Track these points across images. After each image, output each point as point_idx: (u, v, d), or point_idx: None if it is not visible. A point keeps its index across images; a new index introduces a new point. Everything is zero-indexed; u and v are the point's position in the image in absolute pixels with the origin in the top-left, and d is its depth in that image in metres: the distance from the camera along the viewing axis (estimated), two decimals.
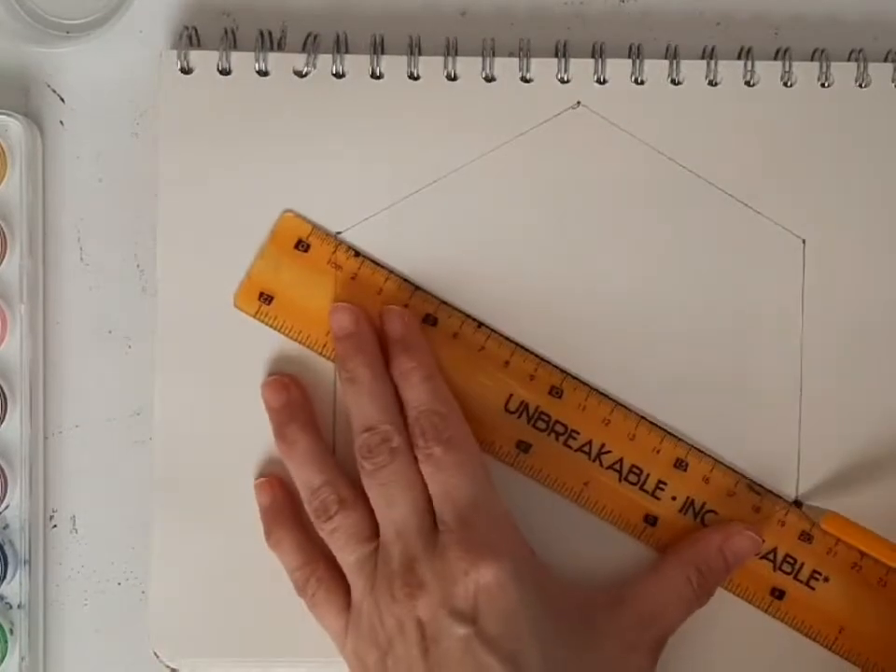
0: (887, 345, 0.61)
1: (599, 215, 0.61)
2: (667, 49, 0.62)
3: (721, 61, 0.61)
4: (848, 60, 0.62)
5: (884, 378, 0.61)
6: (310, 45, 0.61)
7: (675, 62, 0.61)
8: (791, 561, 0.61)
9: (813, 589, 0.61)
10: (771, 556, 0.61)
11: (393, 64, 0.61)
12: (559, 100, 0.61)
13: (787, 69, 0.61)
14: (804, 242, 0.61)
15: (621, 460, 0.60)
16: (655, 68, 0.61)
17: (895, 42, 0.63)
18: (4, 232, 0.61)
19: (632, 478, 0.60)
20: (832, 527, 0.59)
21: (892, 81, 0.61)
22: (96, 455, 0.64)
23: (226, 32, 0.62)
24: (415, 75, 0.61)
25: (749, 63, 0.61)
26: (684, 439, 0.61)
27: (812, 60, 0.62)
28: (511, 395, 0.61)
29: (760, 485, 0.61)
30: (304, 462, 0.59)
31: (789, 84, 0.61)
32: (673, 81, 0.61)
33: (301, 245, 0.61)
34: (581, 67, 0.61)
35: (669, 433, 0.61)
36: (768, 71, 0.61)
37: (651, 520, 0.61)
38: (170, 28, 0.63)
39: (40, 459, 0.63)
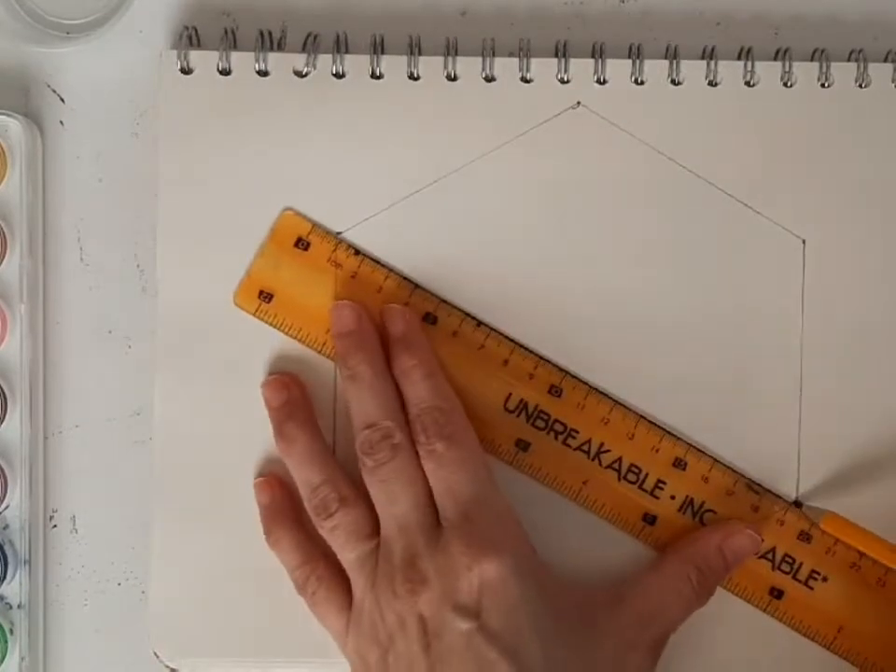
0: (887, 345, 0.61)
1: (599, 215, 0.61)
2: (667, 50, 0.62)
3: (720, 61, 0.61)
4: (848, 60, 0.62)
5: (884, 378, 0.61)
6: (310, 45, 0.61)
7: (675, 62, 0.61)
8: (790, 560, 0.61)
9: (812, 589, 0.61)
10: (770, 556, 0.61)
11: (393, 64, 0.61)
12: (559, 100, 0.61)
13: (787, 69, 0.61)
14: (804, 242, 0.61)
15: (620, 459, 0.60)
16: (655, 68, 0.61)
17: (895, 42, 0.63)
18: (4, 232, 0.61)
19: (631, 477, 0.60)
20: (831, 528, 0.59)
21: (892, 81, 0.61)
22: (96, 454, 0.64)
23: (226, 32, 0.62)
24: (415, 75, 0.61)
25: (749, 64, 0.61)
26: (683, 438, 0.61)
27: (812, 60, 0.62)
28: (511, 393, 0.61)
29: (759, 485, 0.61)
30: (304, 460, 0.59)
31: (789, 84, 0.61)
32: (673, 81, 0.61)
33: (301, 244, 0.61)
34: (581, 67, 0.61)
35: (668, 432, 0.61)
36: (768, 71, 0.61)
37: (649, 519, 0.60)
38: (170, 28, 0.63)
39: (40, 459, 0.63)
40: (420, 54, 0.61)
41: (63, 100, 0.64)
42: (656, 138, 0.61)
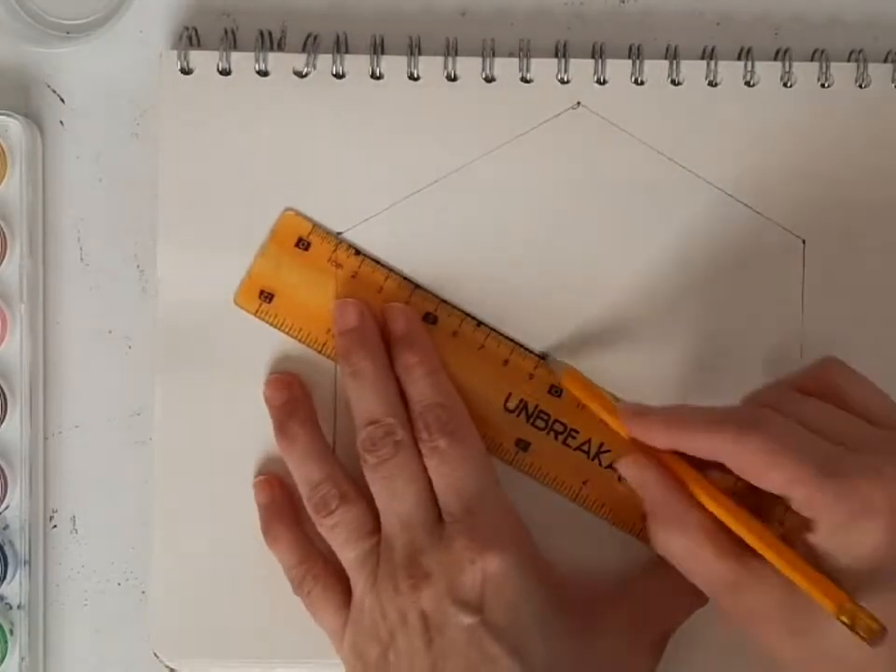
0: (887, 345, 0.61)
1: (599, 215, 0.61)
2: (667, 50, 0.62)
3: (720, 61, 0.61)
4: (848, 60, 0.62)
5: (884, 378, 0.61)
6: (310, 45, 0.61)
7: (675, 62, 0.61)
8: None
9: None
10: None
11: (393, 65, 0.61)
12: (559, 100, 0.61)
13: (787, 69, 0.61)
14: (804, 242, 0.61)
15: None
16: (655, 68, 0.61)
17: (895, 43, 0.63)
18: (4, 233, 0.61)
19: None
20: (569, 384, 0.59)
21: (892, 82, 0.61)
22: (96, 455, 0.64)
23: (226, 32, 0.62)
24: (415, 75, 0.61)
25: (749, 64, 0.61)
26: None
27: (812, 60, 0.62)
28: (511, 393, 0.61)
29: None
30: (304, 458, 0.59)
31: (789, 84, 0.61)
32: (673, 82, 0.61)
33: (302, 244, 0.61)
34: (581, 67, 0.61)
35: None
36: (768, 71, 0.61)
37: None
38: (170, 28, 0.63)
39: (40, 459, 0.63)
40: (420, 54, 0.61)
41: (62, 100, 0.64)
42: (656, 138, 0.61)
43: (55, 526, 0.64)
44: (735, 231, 0.61)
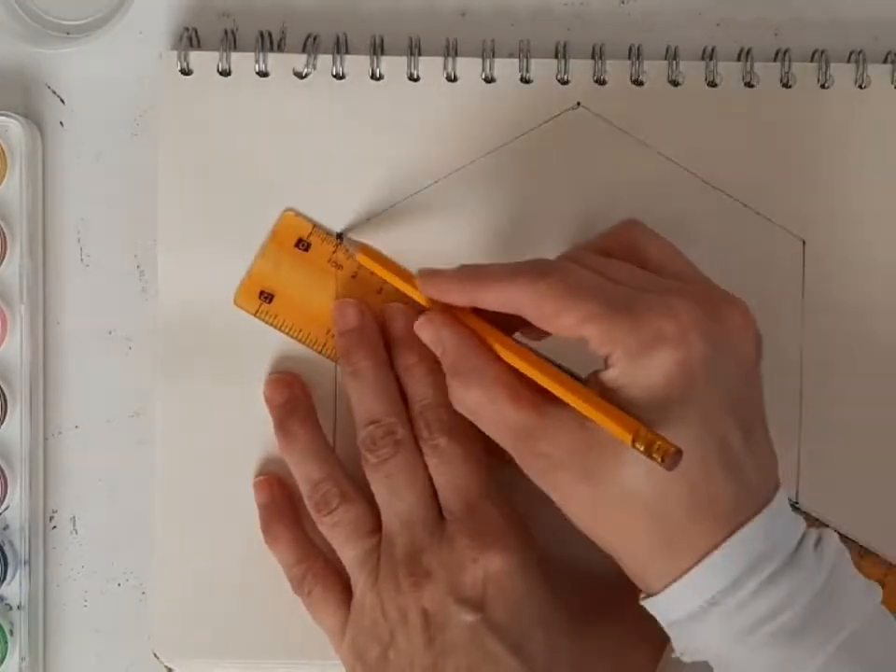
0: (887, 346, 0.61)
1: (598, 215, 0.61)
2: (667, 50, 0.62)
3: (720, 62, 0.61)
4: (848, 61, 0.62)
5: (885, 379, 0.61)
6: (310, 46, 0.61)
7: (674, 62, 0.61)
8: None
9: None
10: None
11: (393, 65, 0.61)
12: (559, 101, 0.61)
13: (786, 70, 0.61)
14: (804, 242, 0.61)
15: None
16: (655, 69, 0.61)
17: (895, 43, 0.63)
18: (4, 233, 0.61)
19: None
20: (364, 261, 0.60)
21: (892, 82, 0.61)
22: (96, 455, 0.64)
23: (226, 33, 0.62)
24: (415, 76, 0.61)
25: (749, 64, 0.61)
26: None
27: (812, 61, 0.62)
28: None
29: None
30: (305, 457, 0.59)
31: (788, 85, 0.61)
32: (672, 82, 0.61)
33: (302, 244, 0.61)
34: (581, 68, 0.61)
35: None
36: (768, 72, 0.61)
37: None
38: (170, 29, 0.63)
39: (40, 460, 0.63)
40: (420, 55, 0.61)
41: (62, 101, 0.64)
42: (656, 139, 0.61)
43: (55, 527, 0.64)
44: (734, 232, 0.61)
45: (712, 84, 0.61)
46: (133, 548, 0.63)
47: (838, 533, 0.59)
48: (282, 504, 0.61)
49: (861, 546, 0.61)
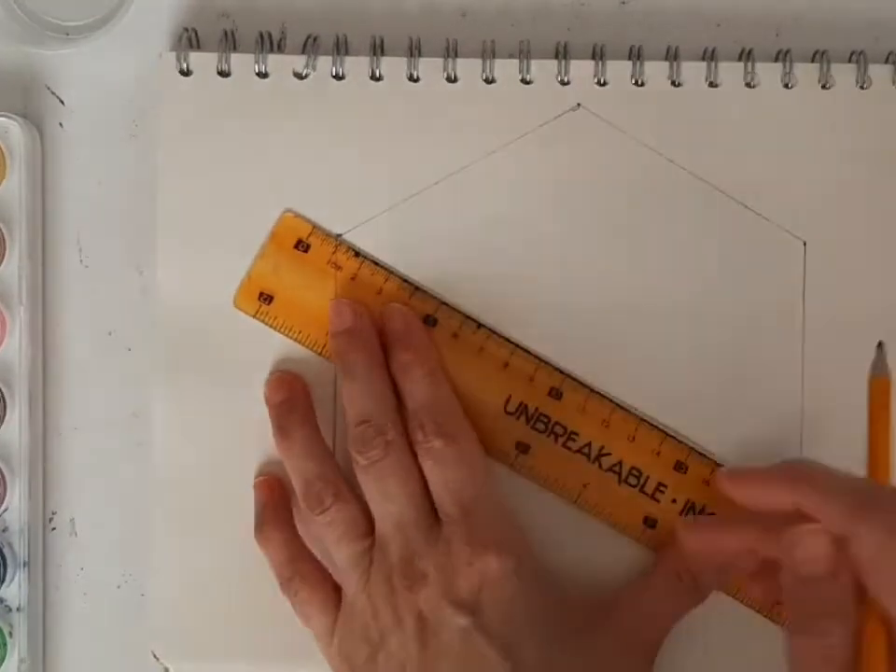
0: (888, 347, 0.61)
1: (599, 216, 0.61)
2: (668, 51, 0.62)
3: (721, 62, 0.61)
4: (849, 61, 0.61)
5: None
6: (310, 46, 0.61)
7: (675, 63, 0.61)
8: None
9: None
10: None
11: (393, 66, 0.61)
12: (559, 102, 0.61)
13: (787, 70, 0.61)
14: (805, 243, 0.61)
15: (620, 462, 0.60)
16: (655, 70, 0.61)
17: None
18: (3, 234, 0.61)
19: (632, 480, 0.60)
20: None
21: (893, 83, 0.61)
22: (96, 457, 0.64)
23: (225, 33, 0.62)
24: (415, 76, 0.61)
25: (750, 65, 0.61)
26: (684, 441, 0.61)
27: (813, 61, 0.61)
28: (511, 396, 0.60)
29: None
30: (301, 455, 0.59)
31: (789, 86, 0.61)
32: (673, 83, 0.61)
33: (301, 246, 0.61)
34: (582, 69, 0.61)
35: (669, 435, 0.61)
36: (769, 72, 0.61)
37: (650, 522, 0.60)
38: (169, 30, 0.63)
39: (39, 461, 0.63)
40: (420, 56, 0.61)
41: (62, 102, 0.63)
42: (656, 140, 0.61)
43: (54, 528, 0.64)
44: (735, 233, 0.61)
45: (713, 85, 0.61)
46: (132, 549, 0.63)
47: None
48: (279, 505, 0.61)
49: None
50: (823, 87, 0.61)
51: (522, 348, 0.61)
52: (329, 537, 0.58)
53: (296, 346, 0.61)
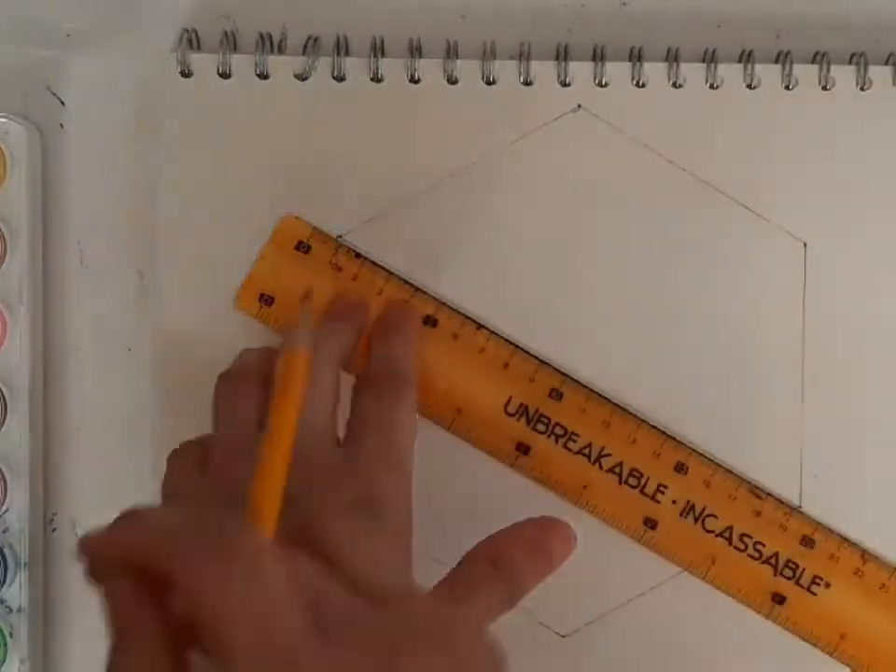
0: (888, 348, 0.61)
1: (599, 217, 0.61)
2: (668, 52, 0.62)
3: (721, 64, 0.61)
4: (849, 63, 0.61)
5: (886, 381, 0.61)
6: (310, 48, 0.61)
7: (675, 65, 0.61)
8: (793, 566, 0.61)
9: (814, 594, 0.60)
10: (772, 561, 0.60)
11: (393, 67, 0.61)
12: (559, 103, 0.61)
13: (787, 72, 0.61)
14: (805, 245, 0.61)
15: (621, 463, 0.60)
16: (656, 71, 0.61)
17: None
18: (4, 236, 0.61)
19: (632, 481, 0.60)
20: None
21: (894, 84, 0.61)
22: (96, 458, 0.64)
23: (226, 35, 0.62)
24: (416, 77, 0.61)
25: (750, 66, 0.61)
26: (685, 442, 0.61)
27: (813, 63, 0.61)
28: (511, 397, 0.60)
29: (761, 489, 0.61)
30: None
31: (790, 87, 0.61)
32: (674, 84, 0.61)
33: (302, 247, 0.61)
34: (582, 70, 0.61)
35: (670, 436, 0.61)
36: (769, 74, 0.61)
37: (650, 523, 0.60)
38: (170, 31, 0.63)
39: (40, 462, 0.63)
40: (420, 57, 0.61)
41: (62, 103, 0.63)
42: (657, 141, 0.61)
43: (55, 529, 0.64)
44: (735, 234, 0.61)
45: (713, 87, 0.61)
46: None
47: (841, 536, 0.60)
48: None
49: (863, 550, 0.61)
50: (824, 88, 0.61)
51: (522, 349, 0.61)
52: None
53: None
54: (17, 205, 0.62)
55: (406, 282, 0.61)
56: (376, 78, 0.61)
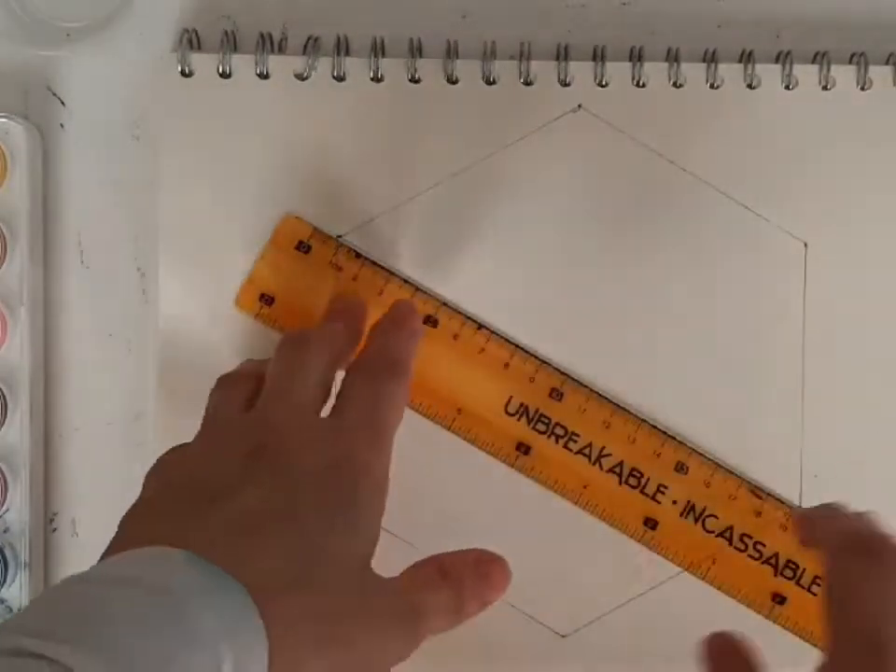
0: (888, 348, 0.61)
1: (599, 217, 0.61)
2: (668, 52, 0.62)
3: (722, 63, 0.61)
4: (850, 63, 0.61)
5: (886, 380, 0.61)
6: (310, 47, 0.61)
7: (676, 64, 0.61)
8: (793, 566, 0.61)
9: (814, 595, 0.61)
10: (773, 561, 0.61)
11: (393, 67, 0.61)
12: (560, 103, 0.61)
13: (788, 72, 0.61)
14: (805, 245, 0.61)
15: (621, 463, 0.60)
16: (656, 71, 0.61)
17: None
18: (4, 236, 0.61)
19: (632, 481, 0.60)
20: None
21: (894, 84, 0.61)
22: (97, 458, 0.64)
23: (226, 34, 0.62)
24: (416, 77, 0.61)
25: (750, 66, 0.61)
26: (685, 442, 0.61)
27: (813, 63, 0.61)
28: (512, 397, 0.61)
29: (761, 489, 0.61)
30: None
31: (790, 87, 0.61)
32: (674, 84, 0.61)
33: (302, 247, 0.61)
34: (582, 70, 0.61)
35: (670, 436, 0.61)
36: (769, 73, 0.61)
37: (651, 523, 0.60)
38: (170, 31, 0.63)
39: (41, 462, 0.63)
40: (421, 57, 0.61)
41: (63, 103, 0.63)
42: (657, 141, 0.61)
43: (55, 529, 0.64)
44: (736, 234, 0.61)
45: (714, 86, 0.61)
46: None
47: None
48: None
49: None
50: (824, 88, 0.61)
51: (522, 349, 0.61)
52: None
53: None
54: (17, 205, 0.62)
55: (406, 281, 0.61)
56: (376, 78, 0.61)
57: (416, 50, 0.61)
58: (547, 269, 0.61)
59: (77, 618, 0.42)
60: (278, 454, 0.50)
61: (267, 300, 0.61)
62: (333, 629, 0.46)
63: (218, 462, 0.51)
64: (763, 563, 0.61)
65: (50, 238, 0.63)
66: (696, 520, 0.61)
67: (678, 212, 0.61)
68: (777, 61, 0.62)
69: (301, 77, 0.61)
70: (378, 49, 0.61)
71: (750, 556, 0.60)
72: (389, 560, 0.51)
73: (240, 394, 0.55)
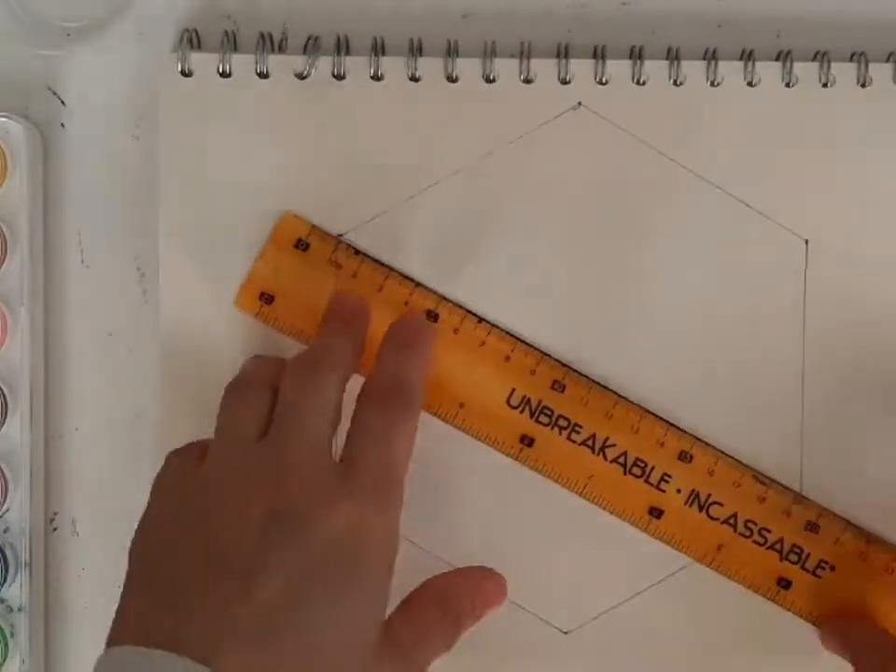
0: (889, 344, 0.61)
1: (600, 215, 0.61)
2: (669, 51, 0.62)
3: (722, 61, 0.61)
4: (850, 60, 0.62)
5: (885, 375, 0.61)
6: (311, 47, 0.61)
7: (676, 62, 0.61)
8: (798, 551, 0.60)
9: (819, 578, 0.60)
10: (778, 546, 0.60)
11: (394, 66, 0.61)
12: (560, 101, 0.61)
13: (788, 69, 0.61)
14: (806, 242, 0.61)
15: (625, 453, 0.60)
16: (656, 69, 0.61)
17: None
18: (5, 235, 0.61)
19: (636, 471, 0.60)
20: None
21: (894, 81, 0.61)
22: (97, 457, 0.64)
23: (226, 34, 0.62)
24: (416, 76, 0.61)
25: (751, 64, 0.61)
26: (688, 431, 0.61)
27: (814, 60, 0.62)
28: (514, 389, 0.60)
29: (765, 476, 0.61)
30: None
31: (790, 84, 0.61)
32: (674, 82, 0.61)
33: (301, 245, 0.61)
34: (583, 68, 0.61)
35: (673, 425, 0.61)
36: (769, 71, 0.61)
37: (656, 513, 0.60)
38: (170, 31, 0.63)
39: (41, 462, 0.63)
40: (421, 55, 0.61)
41: (63, 102, 0.63)
42: (657, 138, 0.61)
43: (56, 529, 0.64)
44: (736, 232, 0.61)
45: (714, 84, 0.61)
46: None
47: (845, 520, 0.60)
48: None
49: (868, 532, 0.61)
50: (824, 86, 0.61)
51: (523, 342, 0.61)
52: None
53: (298, 346, 0.61)
54: (17, 205, 0.62)
55: (406, 278, 0.61)
56: (376, 77, 0.61)
57: (416, 49, 0.61)
58: (547, 265, 0.61)
59: None
60: (293, 520, 0.50)
61: (267, 298, 0.61)
62: None
63: (233, 523, 0.51)
64: (768, 548, 0.60)
65: (51, 237, 0.63)
66: (701, 508, 0.60)
67: (678, 209, 0.61)
68: (777, 59, 0.62)
69: (301, 77, 0.61)
70: (378, 48, 0.61)
71: (756, 542, 0.60)
72: None
73: (253, 413, 0.55)
